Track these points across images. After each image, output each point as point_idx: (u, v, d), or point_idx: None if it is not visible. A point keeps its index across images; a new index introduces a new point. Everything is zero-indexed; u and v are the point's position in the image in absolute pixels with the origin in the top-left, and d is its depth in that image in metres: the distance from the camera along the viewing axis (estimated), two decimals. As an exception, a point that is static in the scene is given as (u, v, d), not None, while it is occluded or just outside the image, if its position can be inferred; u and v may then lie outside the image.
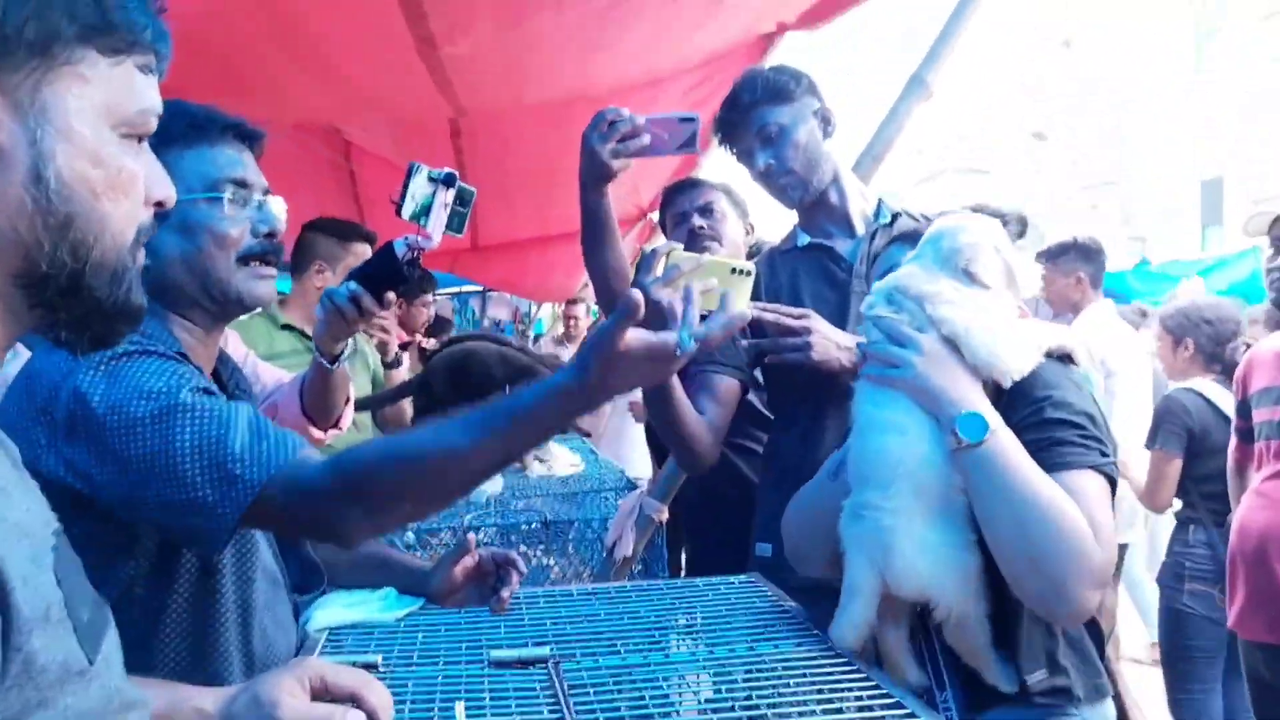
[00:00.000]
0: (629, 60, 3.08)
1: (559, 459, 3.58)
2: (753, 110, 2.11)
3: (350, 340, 1.89)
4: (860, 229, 2.18)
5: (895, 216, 2.19)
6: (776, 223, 2.35)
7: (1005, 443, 1.33)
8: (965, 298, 1.41)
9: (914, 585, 1.37)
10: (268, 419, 1.24)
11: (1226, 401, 3.22)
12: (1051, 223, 15.94)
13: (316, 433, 2.11)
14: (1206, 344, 3.48)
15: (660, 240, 5.14)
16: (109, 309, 0.78)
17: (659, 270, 1.63)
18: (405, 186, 1.71)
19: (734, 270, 1.58)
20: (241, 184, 1.38)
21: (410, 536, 2.57)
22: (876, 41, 24.35)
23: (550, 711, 1.23)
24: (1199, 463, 3.36)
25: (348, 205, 4.73)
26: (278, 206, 1.44)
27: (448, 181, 1.74)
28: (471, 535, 1.77)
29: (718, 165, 2.31)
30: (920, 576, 1.36)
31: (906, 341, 1.40)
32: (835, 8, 3.17)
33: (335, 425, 2.08)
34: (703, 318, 1.23)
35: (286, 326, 3.02)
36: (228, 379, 1.53)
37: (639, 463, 4.31)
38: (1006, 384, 1.41)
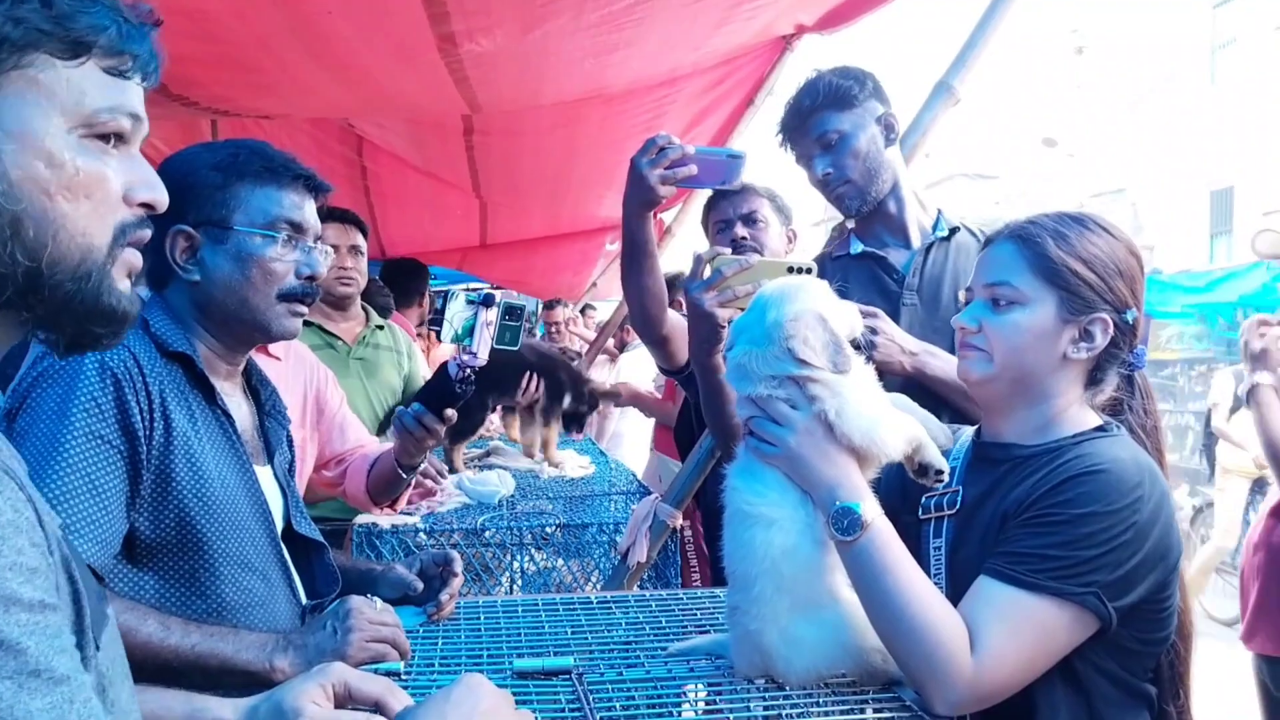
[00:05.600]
0: (647, 60, 3.06)
1: (569, 461, 3.57)
2: (813, 115, 2.07)
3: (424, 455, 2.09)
4: (916, 240, 2.15)
5: (954, 230, 2.16)
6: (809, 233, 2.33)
7: (879, 539, 1.28)
8: (830, 376, 1.33)
9: (799, 679, 1.33)
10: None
11: None
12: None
13: (375, 510, 2.43)
14: None
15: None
16: (78, 308, 0.78)
17: (704, 275, 1.62)
18: (441, 311, 1.90)
19: (791, 269, 1.58)
20: (298, 228, 1.51)
21: (422, 538, 2.56)
22: (895, 42, 24.27)
23: (573, 723, 1.21)
24: None
25: (359, 199, 4.75)
26: (324, 256, 1.56)
27: (486, 302, 1.91)
28: None
29: (758, 165, 2.26)
30: (803, 671, 1.32)
31: (782, 420, 1.35)
32: (854, 11, 3.15)
33: (392, 506, 2.39)
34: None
35: (306, 323, 3.04)
36: (266, 400, 1.62)
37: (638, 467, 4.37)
38: (881, 463, 1.35)
